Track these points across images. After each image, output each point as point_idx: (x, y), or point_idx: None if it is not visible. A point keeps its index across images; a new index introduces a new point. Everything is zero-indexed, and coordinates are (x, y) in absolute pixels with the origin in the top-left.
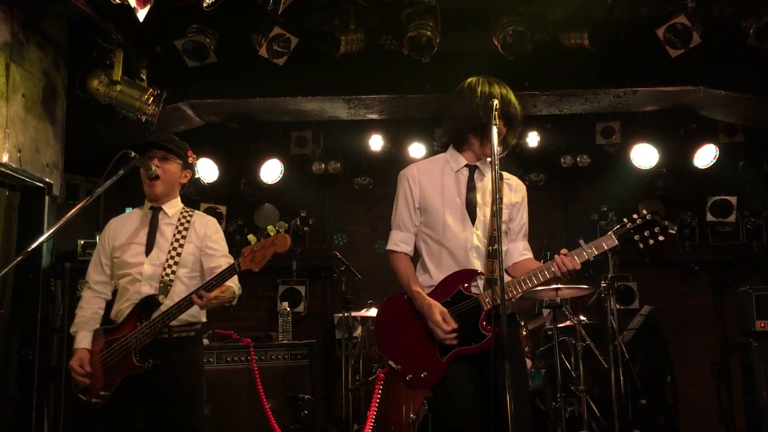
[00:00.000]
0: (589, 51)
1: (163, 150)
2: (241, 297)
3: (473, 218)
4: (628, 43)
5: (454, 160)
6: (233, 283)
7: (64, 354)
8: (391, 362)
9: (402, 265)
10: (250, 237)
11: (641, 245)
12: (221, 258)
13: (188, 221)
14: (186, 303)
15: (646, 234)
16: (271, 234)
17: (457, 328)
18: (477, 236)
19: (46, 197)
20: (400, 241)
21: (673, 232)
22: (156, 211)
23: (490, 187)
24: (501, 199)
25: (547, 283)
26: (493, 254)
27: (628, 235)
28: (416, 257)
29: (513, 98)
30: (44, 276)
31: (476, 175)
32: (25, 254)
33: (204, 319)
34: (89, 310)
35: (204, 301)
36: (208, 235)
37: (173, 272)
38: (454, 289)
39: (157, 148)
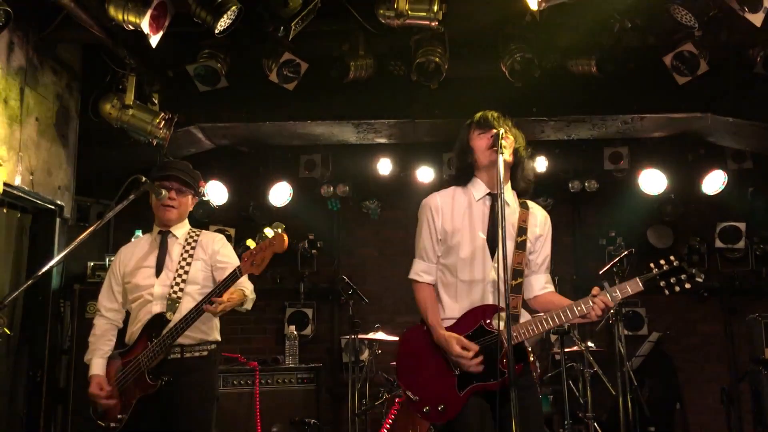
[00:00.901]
0: (597, 77)
1: (180, 182)
2: (249, 320)
3: (493, 252)
4: (636, 70)
5: (476, 189)
6: (245, 287)
7: (72, 376)
8: (409, 393)
9: (423, 296)
10: (249, 242)
11: (667, 291)
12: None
13: (195, 240)
14: (193, 315)
15: (672, 281)
16: (269, 236)
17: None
18: (495, 270)
19: (57, 219)
20: (422, 271)
21: (701, 280)
22: (165, 234)
23: (512, 218)
24: (525, 231)
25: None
26: (515, 289)
27: (655, 281)
28: None
29: (494, 114)
30: (54, 298)
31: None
32: (35, 278)
33: (218, 338)
34: (102, 338)
35: (215, 307)
36: (216, 249)
37: (181, 290)
38: (475, 323)
39: (175, 180)
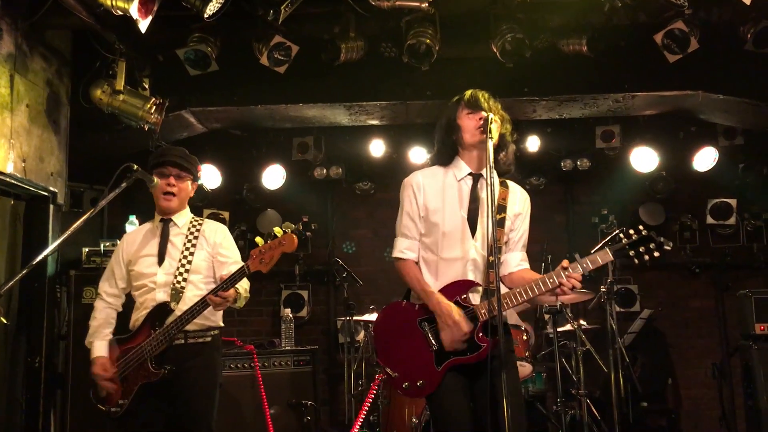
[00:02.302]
0: (588, 57)
1: (178, 168)
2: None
3: (474, 230)
4: (627, 48)
5: (458, 168)
6: (240, 285)
7: (70, 361)
8: (388, 369)
9: (410, 271)
10: (258, 239)
11: (636, 261)
12: (233, 265)
13: (198, 229)
14: (199, 307)
15: (641, 250)
16: (278, 235)
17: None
18: (475, 248)
19: (51, 206)
20: (405, 249)
21: (669, 248)
22: (166, 222)
23: (494, 194)
24: (504, 209)
25: (543, 295)
26: (491, 265)
27: (624, 250)
28: None
29: (485, 95)
30: (50, 284)
31: (480, 184)
32: (30, 267)
33: (221, 324)
34: (103, 321)
35: (219, 299)
36: (219, 242)
37: (185, 279)
38: (451, 299)
39: (173, 166)
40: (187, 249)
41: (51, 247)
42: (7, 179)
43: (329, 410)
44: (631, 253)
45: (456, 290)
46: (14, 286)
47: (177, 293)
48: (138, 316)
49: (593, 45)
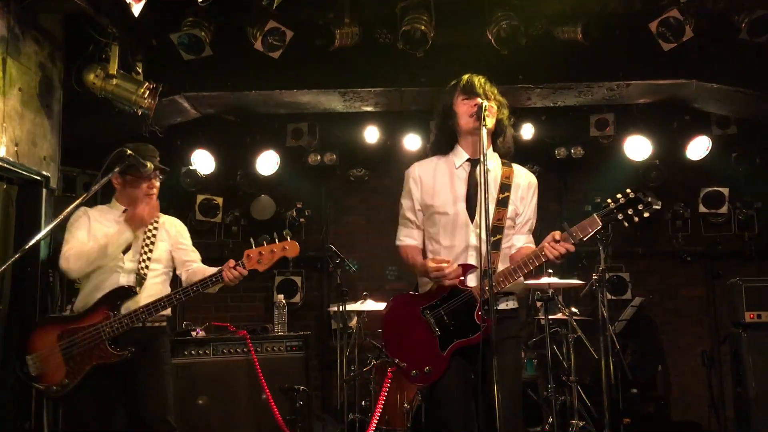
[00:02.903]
0: (583, 45)
1: (160, 171)
2: (238, 288)
3: (473, 216)
4: (622, 36)
5: (456, 155)
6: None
7: None
8: (397, 361)
9: (405, 252)
10: (252, 241)
11: (626, 223)
12: (192, 252)
13: (157, 222)
14: (179, 295)
15: (629, 212)
16: (285, 246)
17: (455, 323)
18: (475, 235)
19: (44, 190)
20: (404, 236)
21: (658, 207)
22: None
23: (493, 181)
24: (508, 187)
25: (539, 269)
26: (494, 245)
27: (612, 215)
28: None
29: (481, 81)
30: (42, 268)
31: (479, 169)
32: (23, 251)
33: (170, 312)
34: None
35: (235, 274)
36: (180, 232)
37: (147, 266)
38: (452, 283)
39: (155, 168)
40: (149, 239)
41: (44, 231)
42: (0, 163)
43: (321, 395)
44: (620, 216)
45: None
46: (7, 271)
47: (141, 278)
48: (91, 297)
49: (588, 33)
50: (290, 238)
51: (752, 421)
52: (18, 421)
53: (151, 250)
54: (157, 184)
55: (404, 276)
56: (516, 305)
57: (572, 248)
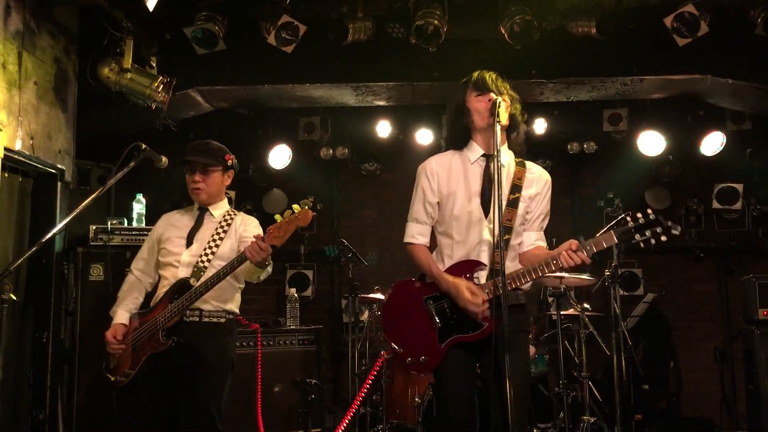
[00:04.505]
0: (597, 39)
1: (202, 164)
2: (250, 281)
3: (487, 212)
4: (636, 31)
5: (471, 150)
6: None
7: (77, 337)
8: (393, 345)
9: (421, 255)
10: (277, 217)
11: (642, 245)
12: None
13: (231, 219)
14: (213, 280)
15: (647, 234)
16: (296, 211)
17: (456, 318)
18: (489, 230)
19: (59, 183)
20: (416, 234)
21: (677, 233)
22: (203, 211)
23: (506, 178)
24: (519, 188)
25: (551, 273)
26: (498, 245)
27: (630, 234)
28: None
29: (492, 76)
30: (57, 260)
31: (493, 165)
32: (39, 245)
33: (236, 309)
34: (129, 293)
35: (258, 247)
36: (247, 229)
37: (209, 260)
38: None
39: (197, 163)
40: (217, 235)
41: (59, 225)
42: (16, 156)
43: (333, 388)
44: (637, 236)
45: (462, 270)
46: (22, 263)
47: (199, 271)
48: (159, 292)
49: (602, 27)
50: (308, 207)
51: (764, 418)
52: (33, 411)
53: (217, 245)
54: (204, 177)
55: (399, 272)
56: (523, 300)
57: (588, 261)
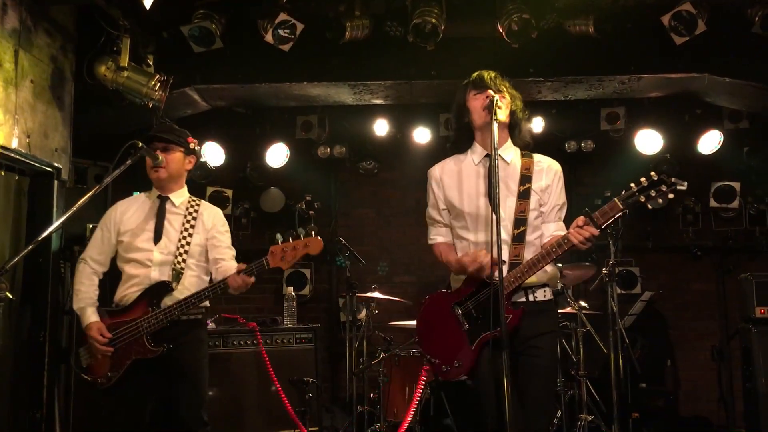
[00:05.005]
0: (594, 38)
1: (162, 142)
2: None
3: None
4: (634, 30)
5: (474, 152)
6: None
7: (74, 335)
8: (430, 357)
9: (440, 251)
10: (278, 237)
11: (649, 206)
12: (225, 249)
13: (196, 211)
14: (208, 293)
15: (652, 194)
16: (302, 236)
17: (482, 316)
18: (502, 227)
19: (55, 182)
20: (435, 235)
21: (683, 187)
22: (163, 200)
23: (513, 172)
24: (529, 179)
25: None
26: (516, 238)
27: (634, 197)
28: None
29: (491, 75)
30: (54, 259)
31: (498, 164)
32: (36, 243)
33: (207, 303)
34: (91, 287)
35: (241, 281)
36: (216, 226)
37: (184, 261)
38: (479, 278)
39: (157, 141)
40: (186, 230)
41: (56, 224)
42: (12, 155)
43: (330, 387)
44: (642, 198)
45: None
46: (19, 262)
47: (177, 274)
48: (128, 291)
49: (600, 26)
50: (315, 234)
51: (761, 417)
52: (30, 410)
53: (188, 243)
54: (164, 154)
55: (397, 271)
56: (551, 296)
57: (596, 232)
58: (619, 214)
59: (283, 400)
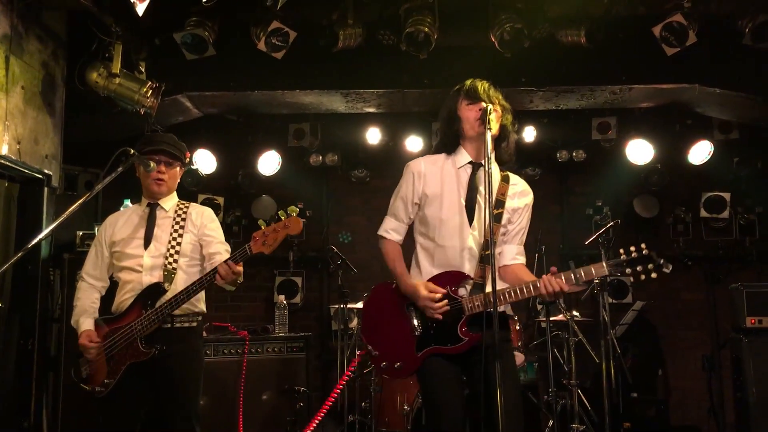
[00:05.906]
0: (586, 48)
1: (169, 156)
2: (238, 288)
3: (471, 219)
4: (625, 40)
5: (459, 156)
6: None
7: (63, 344)
8: (369, 347)
9: (390, 249)
10: (261, 222)
11: (632, 279)
12: (218, 244)
13: (185, 212)
14: (195, 287)
15: (639, 269)
16: (283, 218)
17: (436, 328)
18: (473, 237)
19: (45, 188)
20: (391, 229)
21: (668, 271)
22: (153, 207)
23: (493, 187)
24: (502, 204)
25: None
26: (485, 259)
27: (621, 267)
28: (409, 251)
29: (484, 85)
30: (43, 267)
31: (479, 174)
32: (25, 250)
33: (204, 309)
34: (87, 300)
35: (226, 270)
36: (205, 224)
37: (175, 261)
38: (443, 289)
39: (164, 154)
40: (176, 231)
41: (46, 231)
42: (2, 161)
43: (321, 396)
44: (628, 270)
45: (447, 280)
46: (8, 269)
47: (169, 275)
48: (123, 298)
49: (592, 36)
50: (296, 214)
51: (752, 427)
52: (17, 418)
53: (179, 243)
54: (168, 170)
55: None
56: (510, 312)
57: (566, 288)
58: (603, 276)
59: (239, 416)
